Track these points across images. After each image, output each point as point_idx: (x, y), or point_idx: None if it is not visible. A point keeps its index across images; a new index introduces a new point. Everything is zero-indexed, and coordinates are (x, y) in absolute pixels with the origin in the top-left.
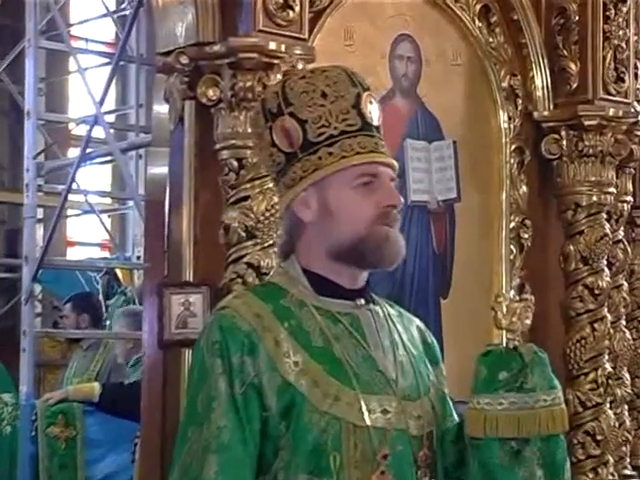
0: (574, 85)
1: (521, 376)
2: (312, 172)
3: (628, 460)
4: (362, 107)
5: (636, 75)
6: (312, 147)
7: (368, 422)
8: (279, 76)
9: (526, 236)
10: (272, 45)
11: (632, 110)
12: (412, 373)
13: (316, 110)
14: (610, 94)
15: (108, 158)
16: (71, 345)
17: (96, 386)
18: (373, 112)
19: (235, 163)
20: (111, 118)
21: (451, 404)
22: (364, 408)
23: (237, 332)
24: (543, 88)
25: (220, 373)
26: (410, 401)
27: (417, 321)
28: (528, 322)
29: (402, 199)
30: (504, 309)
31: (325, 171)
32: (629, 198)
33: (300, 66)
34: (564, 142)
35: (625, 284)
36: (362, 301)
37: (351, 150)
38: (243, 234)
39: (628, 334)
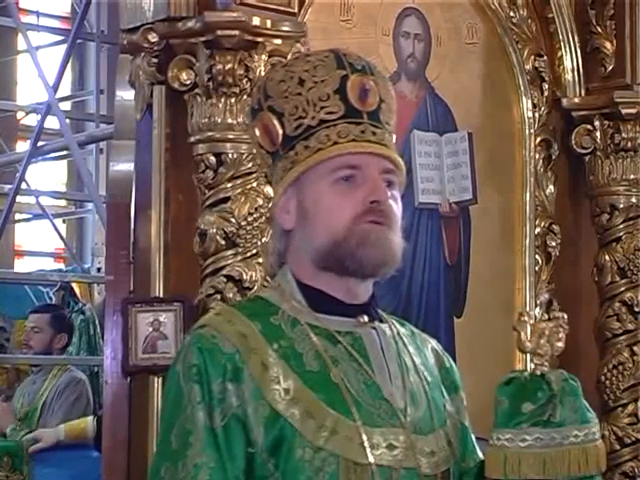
0: (609, 67)
1: (548, 408)
2: (288, 171)
3: None
4: (347, 91)
5: None
6: (291, 142)
7: (371, 459)
8: (264, 57)
9: (554, 244)
10: (256, 20)
11: None
12: (425, 402)
13: (292, 100)
14: None
15: (63, 153)
16: (20, 373)
17: (89, 422)
18: (370, 95)
19: (213, 159)
20: (67, 106)
21: (474, 438)
22: (366, 443)
23: (218, 355)
24: (573, 71)
25: (198, 402)
26: (421, 435)
27: (433, 342)
28: (560, 345)
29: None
30: (529, 329)
31: (299, 168)
32: None
33: (295, 47)
34: (598, 134)
35: None
36: (365, 318)
37: (328, 141)
38: (222, 242)
39: None
